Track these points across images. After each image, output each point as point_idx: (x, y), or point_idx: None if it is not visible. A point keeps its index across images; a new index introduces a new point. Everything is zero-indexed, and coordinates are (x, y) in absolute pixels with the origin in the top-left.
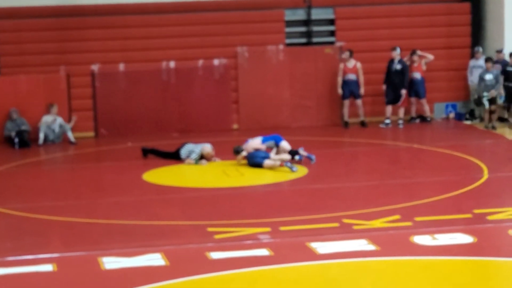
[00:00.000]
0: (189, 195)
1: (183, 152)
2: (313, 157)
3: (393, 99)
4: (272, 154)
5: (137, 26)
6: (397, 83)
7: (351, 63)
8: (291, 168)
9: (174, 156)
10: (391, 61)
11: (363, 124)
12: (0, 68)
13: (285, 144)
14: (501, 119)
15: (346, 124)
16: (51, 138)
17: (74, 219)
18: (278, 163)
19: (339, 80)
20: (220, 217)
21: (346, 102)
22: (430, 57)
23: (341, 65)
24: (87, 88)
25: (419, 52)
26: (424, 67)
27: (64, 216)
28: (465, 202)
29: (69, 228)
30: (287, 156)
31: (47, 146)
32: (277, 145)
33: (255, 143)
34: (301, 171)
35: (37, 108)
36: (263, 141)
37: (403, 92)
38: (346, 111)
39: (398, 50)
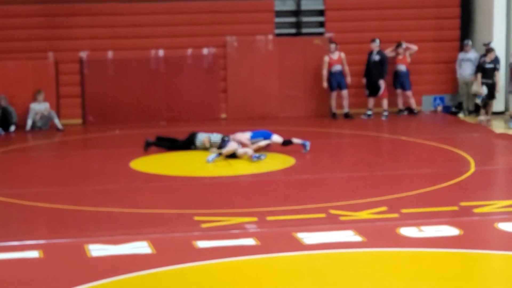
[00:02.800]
0: (177, 184)
1: (198, 143)
2: (307, 143)
3: (373, 90)
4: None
5: (126, 13)
6: (376, 74)
7: (336, 54)
8: (258, 157)
9: (183, 146)
10: (370, 53)
11: (347, 116)
12: None
13: (276, 138)
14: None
15: (334, 116)
16: (38, 125)
17: (60, 206)
18: (250, 151)
19: (324, 73)
20: (207, 206)
21: (334, 94)
22: (414, 48)
23: (326, 58)
24: (75, 75)
25: (404, 45)
26: (408, 59)
27: (50, 203)
28: (451, 194)
29: (56, 215)
30: (263, 143)
31: (34, 132)
32: (267, 139)
33: (244, 137)
34: (288, 161)
35: (25, 94)
36: (252, 137)
37: (381, 83)
38: (333, 102)
39: (377, 42)
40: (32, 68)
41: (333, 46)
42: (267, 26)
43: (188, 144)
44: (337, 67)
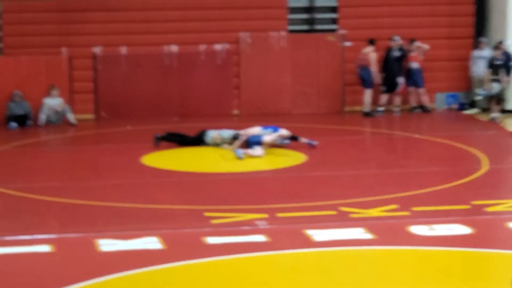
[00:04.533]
0: (187, 179)
1: (208, 140)
2: (315, 143)
3: (390, 87)
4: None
5: (139, 9)
6: (395, 71)
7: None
8: (239, 154)
9: (193, 142)
10: (389, 49)
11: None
12: (3, 48)
13: (284, 131)
14: (502, 111)
15: (368, 114)
16: (52, 119)
17: (71, 200)
18: (277, 139)
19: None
20: (217, 202)
21: (369, 91)
22: (426, 47)
23: (374, 55)
24: (88, 71)
25: (417, 43)
26: (421, 57)
27: (61, 197)
28: (463, 193)
29: (66, 209)
30: (286, 132)
31: (48, 127)
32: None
33: (254, 131)
34: (300, 158)
35: (39, 88)
36: (263, 130)
37: (401, 80)
38: (369, 100)
39: (396, 39)
40: (45, 64)
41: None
42: (280, 23)
43: (197, 141)
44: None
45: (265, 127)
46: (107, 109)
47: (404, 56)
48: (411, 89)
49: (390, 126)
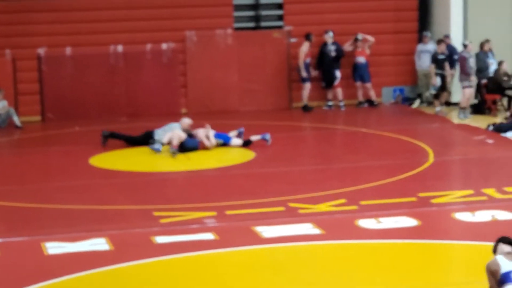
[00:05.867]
0: (135, 180)
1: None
2: (267, 136)
3: (329, 81)
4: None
5: (84, 9)
6: (333, 65)
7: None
8: (174, 152)
9: (140, 142)
10: (324, 44)
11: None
12: None
13: (236, 141)
14: (447, 103)
15: (306, 108)
16: None
17: (18, 204)
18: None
19: (301, 63)
20: (167, 201)
21: (308, 85)
22: (371, 39)
23: (304, 48)
24: (33, 72)
25: (360, 36)
26: (368, 51)
27: (8, 201)
28: (410, 185)
29: (13, 213)
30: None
31: None
32: (226, 143)
33: (204, 134)
34: (248, 155)
35: None
36: (216, 136)
37: (338, 73)
38: (307, 94)
39: (331, 34)
40: None
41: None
42: (226, 20)
43: (145, 141)
44: (308, 60)
45: (218, 134)
46: (53, 111)
47: (339, 50)
48: (358, 83)
49: (337, 121)
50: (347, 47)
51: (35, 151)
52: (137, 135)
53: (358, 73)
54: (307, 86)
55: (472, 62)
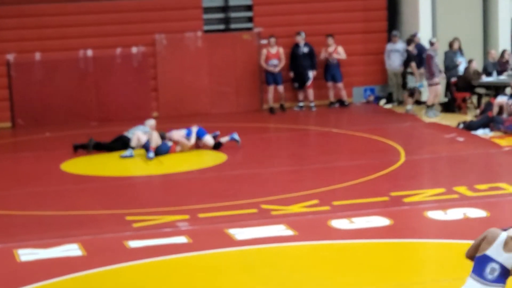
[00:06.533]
0: (108, 184)
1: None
2: (235, 136)
3: (302, 82)
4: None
5: (53, 14)
6: (305, 66)
7: (275, 49)
8: (150, 157)
9: (115, 148)
10: (296, 45)
11: (282, 108)
12: None
13: (208, 139)
14: (418, 102)
15: (272, 110)
16: None
17: None
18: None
19: (263, 64)
20: (139, 205)
21: (271, 88)
22: (343, 57)
23: (264, 51)
24: (2, 78)
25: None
26: (341, 52)
27: None
28: (382, 185)
29: None
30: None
31: None
32: (199, 138)
33: (179, 134)
34: (220, 157)
35: None
36: (188, 135)
37: (311, 73)
38: (271, 96)
39: (303, 35)
40: None
41: (272, 40)
42: (195, 23)
43: (120, 145)
44: (274, 62)
45: (190, 129)
46: (24, 117)
47: (312, 51)
48: (329, 83)
49: (308, 121)
50: (322, 55)
51: (5, 158)
52: (110, 140)
53: (329, 72)
54: (270, 89)
55: (438, 60)
